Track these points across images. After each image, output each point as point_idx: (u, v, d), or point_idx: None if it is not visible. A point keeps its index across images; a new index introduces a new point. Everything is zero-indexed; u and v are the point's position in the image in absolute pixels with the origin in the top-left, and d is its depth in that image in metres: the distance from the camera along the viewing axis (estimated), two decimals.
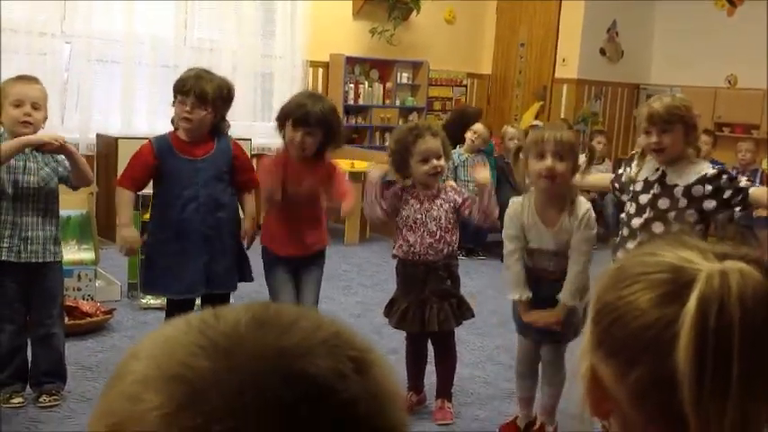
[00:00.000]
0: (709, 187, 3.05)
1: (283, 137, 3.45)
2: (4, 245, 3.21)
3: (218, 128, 3.47)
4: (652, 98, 3.24)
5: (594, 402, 0.85)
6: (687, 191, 3.07)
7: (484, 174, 3.42)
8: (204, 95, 3.32)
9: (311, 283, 3.52)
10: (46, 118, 3.30)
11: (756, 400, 0.75)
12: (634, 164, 3.30)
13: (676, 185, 3.09)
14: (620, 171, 3.40)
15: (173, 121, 3.47)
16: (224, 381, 0.50)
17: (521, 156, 3.18)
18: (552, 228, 3.14)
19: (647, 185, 3.15)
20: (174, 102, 3.40)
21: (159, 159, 3.40)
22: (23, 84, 3.23)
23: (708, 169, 3.11)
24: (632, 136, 9.00)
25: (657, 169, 3.14)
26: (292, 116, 3.37)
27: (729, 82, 8.47)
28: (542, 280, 3.19)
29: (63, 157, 3.27)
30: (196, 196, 3.40)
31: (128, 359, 0.55)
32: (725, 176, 3.09)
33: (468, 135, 6.67)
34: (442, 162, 3.34)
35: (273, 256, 3.50)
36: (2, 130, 3.23)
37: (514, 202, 3.24)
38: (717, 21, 8.46)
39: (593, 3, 8.46)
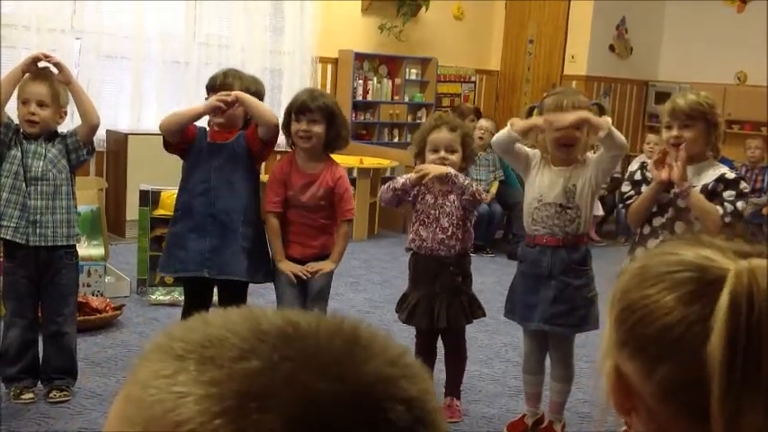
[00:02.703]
0: (723, 188, 3.04)
1: (289, 137, 3.49)
2: (12, 224, 3.23)
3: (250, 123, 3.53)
4: (677, 93, 3.25)
5: (619, 400, 0.86)
6: (704, 189, 3.05)
7: (433, 169, 3.35)
8: (231, 89, 3.39)
9: (317, 288, 3.51)
10: (63, 114, 3.34)
11: None
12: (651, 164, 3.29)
13: (695, 187, 3.08)
14: (634, 169, 3.39)
15: (209, 124, 3.54)
16: (346, 403, 0.50)
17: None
18: (565, 168, 3.16)
19: (668, 186, 3.13)
20: (205, 100, 3.48)
21: (193, 136, 3.48)
22: (32, 81, 3.26)
23: (727, 170, 3.11)
24: (641, 132, 8.99)
25: None
26: (293, 108, 3.44)
27: (739, 79, 8.44)
28: (545, 249, 3.18)
29: (67, 131, 3.35)
30: (207, 178, 3.44)
31: (186, 365, 0.51)
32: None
33: (476, 133, 6.69)
34: (453, 157, 3.35)
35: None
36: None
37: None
38: (726, 17, 8.43)
39: None
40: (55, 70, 3.29)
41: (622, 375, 0.85)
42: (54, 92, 3.26)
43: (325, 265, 3.48)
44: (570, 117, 3.07)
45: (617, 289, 0.87)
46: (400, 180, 3.42)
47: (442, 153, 3.33)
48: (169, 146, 3.50)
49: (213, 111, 3.41)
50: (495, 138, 3.29)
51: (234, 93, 3.38)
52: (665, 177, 3.04)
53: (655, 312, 0.81)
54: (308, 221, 3.49)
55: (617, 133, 3.08)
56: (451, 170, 3.32)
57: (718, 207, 2.98)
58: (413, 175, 3.38)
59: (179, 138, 3.44)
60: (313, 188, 3.46)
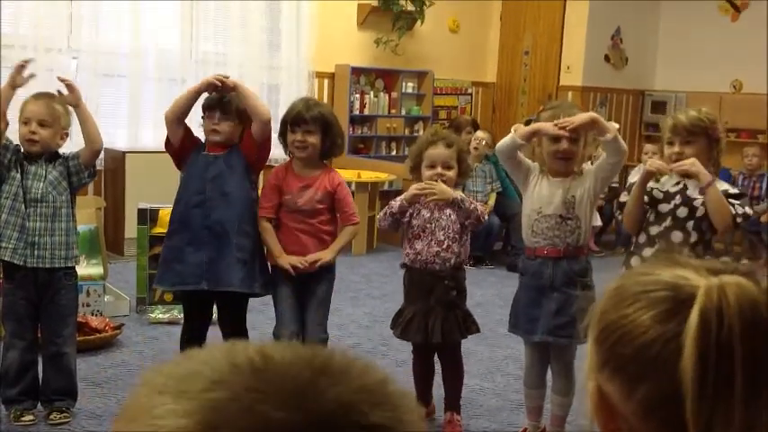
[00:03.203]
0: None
1: (286, 147, 3.53)
2: (10, 245, 3.24)
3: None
4: (679, 110, 3.28)
5: (603, 421, 0.87)
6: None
7: (443, 195, 3.35)
8: (228, 107, 3.43)
9: (317, 300, 3.50)
10: (64, 135, 3.34)
11: (758, 411, 0.77)
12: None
13: (696, 199, 3.10)
14: (634, 180, 3.41)
15: (206, 142, 3.56)
16: (300, 430, 0.51)
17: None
18: (563, 179, 3.17)
19: (668, 196, 3.15)
20: (202, 119, 3.51)
21: (194, 144, 3.53)
22: (33, 101, 3.29)
23: (729, 187, 3.13)
24: (638, 142, 9.00)
25: (678, 182, 3.15)
26: (289, 119, 3.47)
27: (734, 87, 8.47)
28: (546, 261, 3.18)
29: (69, 153, 3.35)
30: (202, 190, 3.45)
31: (165, 399, 0.53)
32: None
33: (472, 143, 6.70)
34: (450, 173, 3.36)
35: (277, 269, 3.52)
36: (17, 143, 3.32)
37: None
38: (721, 26, 8.46)
39: (597, 10, 8.48)
40: (65, 91, 3.31)
41: (604, 396, 0.86)
42: (55, 112, 3.27)
43: (323, 255, 3.45)
44: (581, 117, 3.10)
45: (596, 310, 0.87)
46: (396, 204, 3.42)
47: (439, 169, 3.34)
48: (169, 144, 3.52)
49: (208, 88, 3.45)
50: (498, 144, 3.30)
51: (232, 79, 3.46)
52: (651, 167, 3.09)
53: (632, 332, 0.82)
54: (306, 227, 3.48)
55: (621, 139, 3.11)
56: (458, 195, 3.34)
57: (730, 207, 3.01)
58: (407, 194, 3.39)
59: (181, 134, 3.47)
60: (310, 191, 3.47)
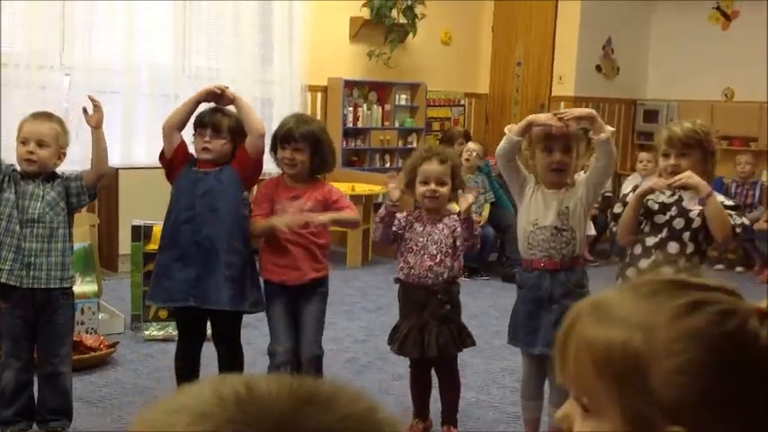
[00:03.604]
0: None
1: (278, 162, 3.54)
2: (6, 267, 3.22)
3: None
4: (673, 122, 3.29)
5: None
6: (702, 213, 3.08)
7: (464, 203, 3.40)
8: (219, 126, 3.42)
9: (311, 315, 3.48)
10: (62, 155, 3.32)
11: None
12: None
13: (692, 210, 3.11)
14: (627, 191, 3.42)
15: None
16: None
17: (523, 148, 3.24)
18: (557, 191, 3.19)
19: (664, 207, 3.16)
20: (193, 136, 3.50)
21: (186, 159, 3.49)
22: (31, 121, 3.28)
23: (724, 199, 3.14)
24: (631, 151, 9.03)
25: (674, 194, 3.16)
26: (279, 135, 3.47)
27: (726, 95, 8.50)
28: (544, 273, 3.19)
29: (71, 173, 3.34)
30: (192, 206, 3.42)
31: None
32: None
33: (464, 155, 6.71)
34: (443, 189, 3.36)
35: (269, 285, 3.51)
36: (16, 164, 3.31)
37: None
38: (711, 35, 8.50)
39: (588, 20, 8.51)
40: (90, 110, 3.31)
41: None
42: (54, 132, 3.26)
43: (319, 216, 3.44)
44: (581, 109, 3.12)
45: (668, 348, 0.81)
46: (381, 210, 3.43)
47: (432, 186, 3.35)
48: (163, 157, 3.51)
49: (207, 96, 3.46)
50: (497, 149, 3.30)
51: (231, 91, 3.46)
52: (655, 186, 3.09)
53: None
54: (296, 238, 3.45)
55: (612, 142, 3.14)
56: (474, 217, 3.35)
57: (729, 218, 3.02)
58: (389, 195, 3.42)
59: (176, 145, 3.46)
60: (300, 201, 3.47)
